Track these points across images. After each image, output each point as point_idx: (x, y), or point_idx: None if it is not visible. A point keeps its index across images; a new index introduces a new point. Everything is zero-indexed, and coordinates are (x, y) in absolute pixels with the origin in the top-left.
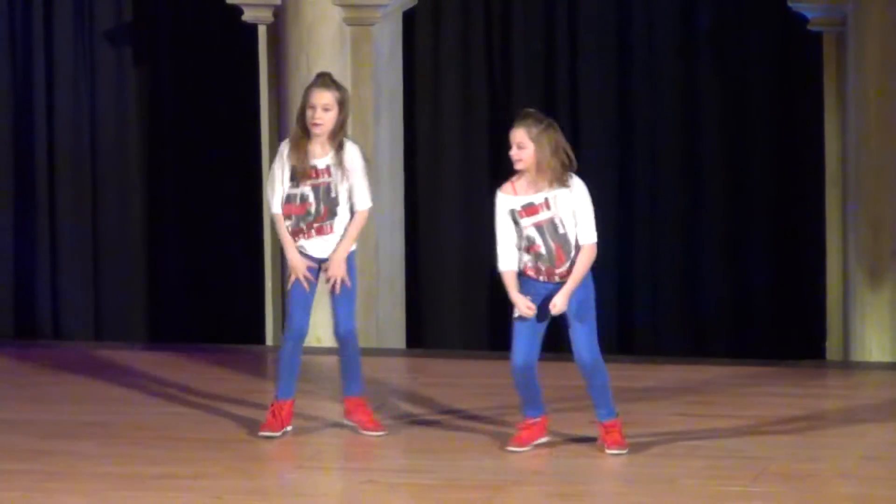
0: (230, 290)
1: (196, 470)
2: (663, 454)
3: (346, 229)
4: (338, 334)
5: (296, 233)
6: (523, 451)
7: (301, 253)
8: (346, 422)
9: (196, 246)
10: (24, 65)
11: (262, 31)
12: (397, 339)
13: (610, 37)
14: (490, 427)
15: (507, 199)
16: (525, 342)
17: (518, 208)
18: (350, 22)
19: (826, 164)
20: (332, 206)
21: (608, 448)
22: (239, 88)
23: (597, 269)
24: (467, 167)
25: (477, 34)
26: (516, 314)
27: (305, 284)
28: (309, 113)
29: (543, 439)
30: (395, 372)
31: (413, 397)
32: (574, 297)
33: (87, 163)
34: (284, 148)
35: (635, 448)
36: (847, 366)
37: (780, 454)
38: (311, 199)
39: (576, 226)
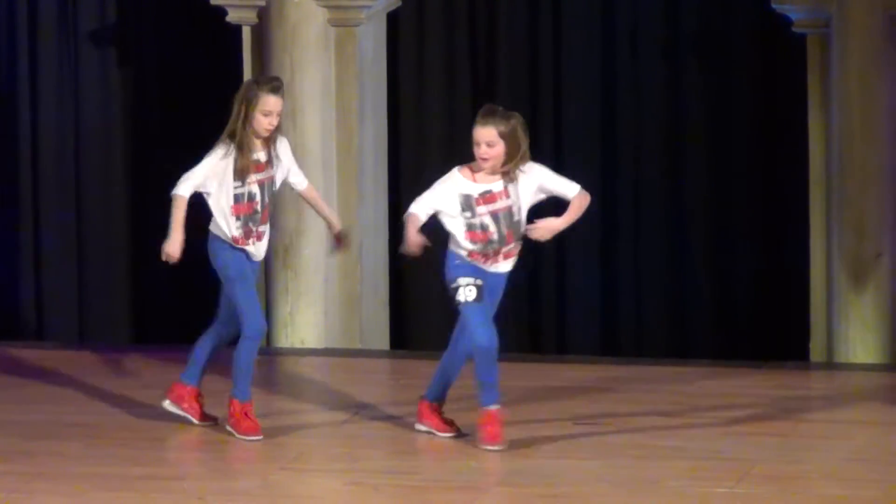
0: (214, 291)
1: (180, 471)
2: (647, 455)
3: (319, 204)
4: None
5: (247, 234)
6: (501, 449)
7: (245, 256)
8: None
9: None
10: (7, 66)
11: (246, 32)
12: (381, 340)
13: (594, 37)
14: (473, 428)
15: (463, 184)
16: (486, 322)
17: (476, 195)
18: (334, 23)
19: (810, 166)
20: (273, 202)
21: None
22: (223, 89)
23: (579, 269)
24: (451, 167)
25: (461, 35)
26: (465, 298)
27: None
28: (266, 120)
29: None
30: (379, 373)
31: (397, 398)
32: (503, 286)
33: (71, 163)
34: (223, 147)
35: (619, 449)
36: (831, 367)
37: (765, 455)
38: (258, 196)
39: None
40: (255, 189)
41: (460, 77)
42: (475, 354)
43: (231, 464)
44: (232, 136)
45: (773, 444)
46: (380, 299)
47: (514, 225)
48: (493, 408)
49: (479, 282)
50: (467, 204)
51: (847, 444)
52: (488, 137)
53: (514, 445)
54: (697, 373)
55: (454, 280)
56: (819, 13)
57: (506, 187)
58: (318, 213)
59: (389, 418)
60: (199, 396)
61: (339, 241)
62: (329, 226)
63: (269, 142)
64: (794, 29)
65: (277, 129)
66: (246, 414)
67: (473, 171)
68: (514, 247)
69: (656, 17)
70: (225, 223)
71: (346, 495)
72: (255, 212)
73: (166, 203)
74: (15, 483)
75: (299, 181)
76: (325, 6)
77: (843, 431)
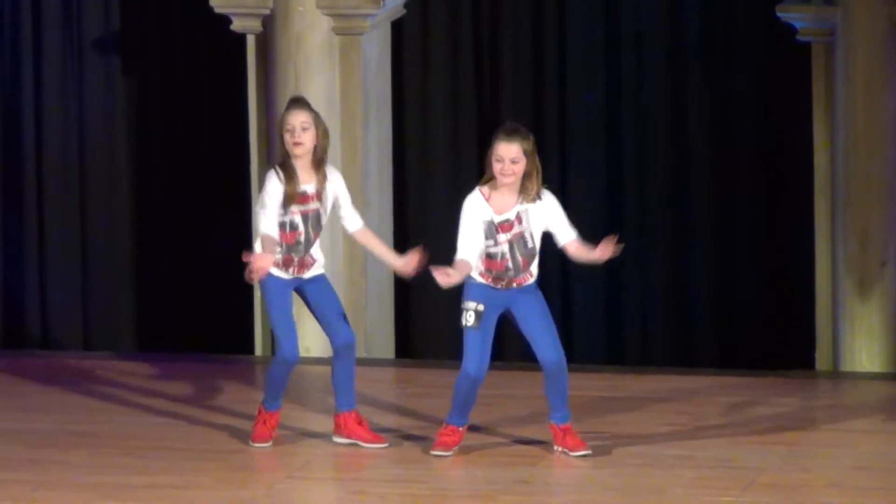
0: (219, 300)
1: (186, 480)
2: (652, 464)
3: (374, 245)
4: (343, 344)
5: (286, 262)
6: (448, 456)
7: (282, 278)
8: (338, 439)
9: (184, 255)
10: (12, 74)
11: (250, 41)
12: (386, 349)
13: (598, 45)
14: (479, 437)
15: (484, 209)
16: (479, 351)
17: (497, 223)
18: (339, 31)
19: (815, 174)
20: (320, 233)
21: (573, 451)
22: (227, 98)
23: (583, 278)
24: (456, 176)
25: (465, 43)
26: (465, 322)
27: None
28: (289, 137)
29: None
30: (385, 382)
31: (402, 408)
32: (537, 298)
33: (75, 171)
34: (274, 175)
35: (625, 458)
36: (836, 376)
37: (770, 464)
38: (301, 227)
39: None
40: (298, 219)
41: (464, 85)
42: (459, 378)
43: (237, 472)
44: (281, 165)
45: (778, 452)
46: (385, 307)
47: (527, 252)
48: (454, 427)
49: (480, 307)
50: (490, 232)
51: (852, 452)
52: (513, 154)
53: (520, 454)
54: (703, 381)
55: (463, 301)
56: (824, 21)
57: (518, 214)
58: (376, 254)
59: (395, 427)
60: (358, 419)
61: (414, 264)
62: (391, 265)
63: (319, 174)
64: (798, 37)
65: (322, 160)
66: (265, 422)
67: (489, 196)
68: (525, 275)
69: (661, 24)
70: None
71: None
72: (298, 242)
73: (170, 211)
74: (20, 491)
75: (351, 223)
76: (329, 15)
77: (848, 440)
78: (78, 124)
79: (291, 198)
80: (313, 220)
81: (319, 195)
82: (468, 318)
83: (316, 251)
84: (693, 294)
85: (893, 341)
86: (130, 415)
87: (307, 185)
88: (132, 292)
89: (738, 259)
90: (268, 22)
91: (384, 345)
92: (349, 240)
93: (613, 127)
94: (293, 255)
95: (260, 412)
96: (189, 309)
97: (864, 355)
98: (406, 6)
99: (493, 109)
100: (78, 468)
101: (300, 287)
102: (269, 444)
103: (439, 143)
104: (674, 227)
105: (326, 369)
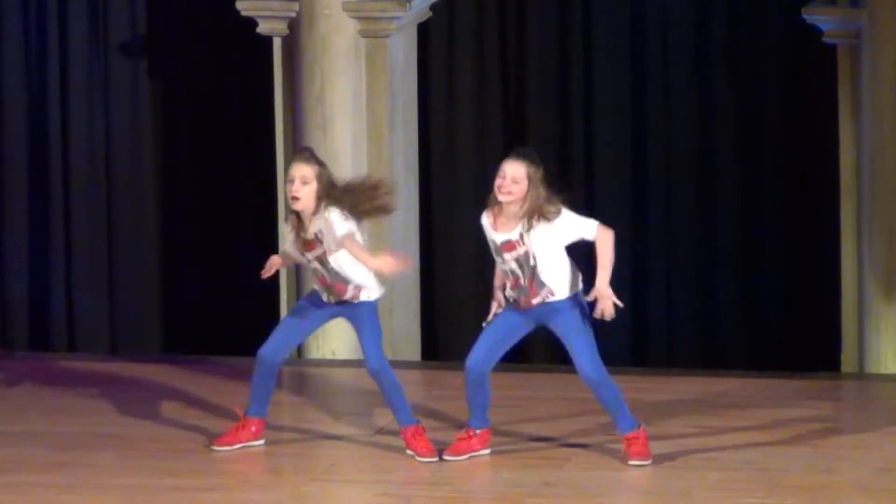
0: (245, 303)
1: (211, 482)
2: (679, 466)
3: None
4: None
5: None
6: (459, 460)
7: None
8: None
9: (211, 258)
10: (38, 78)
11: (276, 44)
12: (413, 351)
13: (625, 50)
14: (506, 439)
15: (489, 230)
16: (483, 348)
17: (500, 243)
18: (365, 34)
19: (841, 176)
20: (342, 267)
21: (629, 459)
22: (254, 101)
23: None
24: (482, 178)
25: (491, 45)
26: (488, 320)
27: (267, 272)
28: (288, 187)
29: (484, 451)
30: (411, 384)
31: (428, 410)
32: (564, 317)
33: (101, 176)
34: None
35: (651, 460)
36: (862, 377)
37: (796, 466)
38: (322, 271)
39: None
40: (317, 265)
41: (490, 88)
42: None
43: (262, 475)
44: (292, 211)
45: (804, 454)
46: (411, 310)
47: (532, 271)
48: (476, 430)
49: (498, 310)
50: (496, 251)
51: (878, 454)
52: (515, 173)
53: (546, 456)
54: (728, 383)
55: None
56: (850, 24)
57: (521, 235)
58: (358, 259)
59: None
60: (417, 431)
61: (393, 266)
62: (368, 266)
63: (319, 218)
64: (824, 39)
65: (316, 206)
66: (237, 427)
67: (495, 217)
68: (539, 297)
69: (686, 28)
70: None
71: None
72: (328, 285)
73: (197, 214)
74: (47, 494)
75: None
76: (355, 17)
77: (873, 442)
78: (104, 128)
79: (299, 245)
80: (327, 262)
81: (318, 239)
82: (489, 317)
83: (349, 279)
84: (719, 296)
85: None
86: (156, 417)
87: (309, 231)
88: (159, 295)
89: (764, 261)
90: (294, 25)
91: (410, 347)
92: (373, 243)
93: (639, 130)
94: (327, 296)
95: (242, 417)
96: (216, 312)
97: (889, 357)
98: (432, 8)
99: (519, 111)
100: (104, 470)
101: (344, 315)
102: (227, 448)
103: (465, 145)
104: (700, 230)
105: (351, 371)
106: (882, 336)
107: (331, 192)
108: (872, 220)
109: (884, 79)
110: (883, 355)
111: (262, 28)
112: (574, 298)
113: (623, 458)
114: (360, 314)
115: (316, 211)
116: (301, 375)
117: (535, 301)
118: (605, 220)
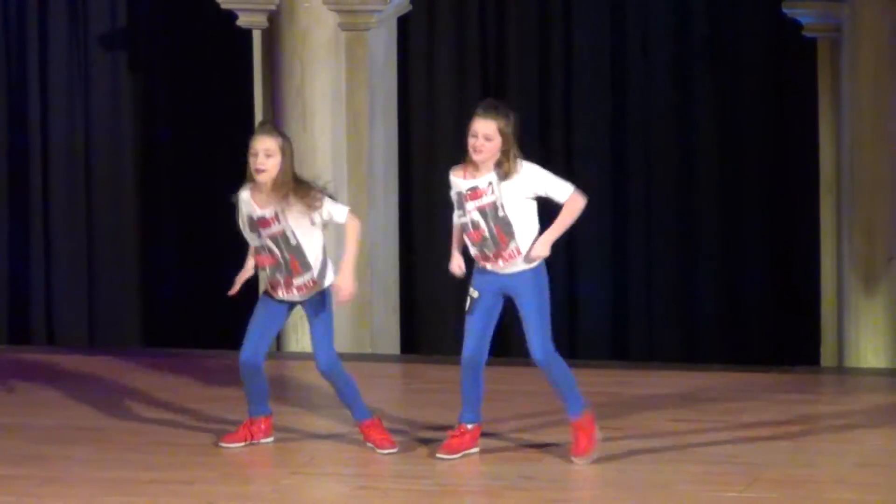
0: (224, 296)
1: (190, 475)
2: (658, 460)
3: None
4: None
5: (273, 285)
6: (452, 459)
7: (279, 299)
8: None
9: (191, 250)
10: (18, 70)
11: (256, 36)
12: (391, 345)
13: (604, 41)
14: (484, 432)
15: (455, 182)
16: (474, 338)
17: (465, 191)
18: (345, 27)
19: (820, 171)
20: (303, 253)
21: (572, 455)
22: (233, 93)
23: (589, 273)
24: None
25: (472, 39)
26: (465, 308)
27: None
28: (252, 160)
29: (474, 450)
30: (390, 378)
31: (407, 403)
32: (528, 294)
33: (81, 167)
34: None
35: (630, 453)
36: (842, 371)
37: (775, 460)
38: (276, 250)
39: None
40: (270, 243)
41: (471, 81)
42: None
43: (242, 468)
44: (244, 189)
45: (783, 448)
46: (390, 303)
47: (500, 220)
48: (469, 426)
49: (475, 294)
50: (459, 202)
51: (857, 448)
52: (487, 130)
53: (525, 450)
54: (708, 377)
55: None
56: (829, 17)
57: (490, 183)
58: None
59: (400, 423)
60: (374, 424)
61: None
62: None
63: (280, 197)
64: (804, 33)
65: (285, 183)
66: (244, 426)
67: (464, 167)
68: (511, 250)
69: (666, 20)
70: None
71: (356, 500)
72: (279, 263)
73: (176, 206)
74: (26, 487)
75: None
76: (335, 10)
77: (853, 436)
78: (84, 120)
79: (248, 222)
80: (283, 242)
81: (278, 217)
82: (466, 305)
83: (304, 277)
84: (699, 290)
85: None
86: (135, 410)
87: (265, 209)
88: (137, 289)
89: (744, 255)
90: (274, 17)
91: (390, 340)
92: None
93: (619, 124)
94: (278, 276)
95: (248, 418)
96: (194, 306)
97: (869, 351)
98: (412, 2)
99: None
100: (83, 463)
101: (303, 308)
102: (236, 445)
103: (445, 139)
104: (680, 223)
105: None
106: (861, 330)
107: (296, 175)
108: (852, 213)
109: (864, 72)
110: (862, 349)
111: (242, 21)
112: (538, 271)
113: (568, 454)
114: (314, 302)
115: (277, 188)
116: (280, 369)
117: (504, 253)
118: (585, 215)
